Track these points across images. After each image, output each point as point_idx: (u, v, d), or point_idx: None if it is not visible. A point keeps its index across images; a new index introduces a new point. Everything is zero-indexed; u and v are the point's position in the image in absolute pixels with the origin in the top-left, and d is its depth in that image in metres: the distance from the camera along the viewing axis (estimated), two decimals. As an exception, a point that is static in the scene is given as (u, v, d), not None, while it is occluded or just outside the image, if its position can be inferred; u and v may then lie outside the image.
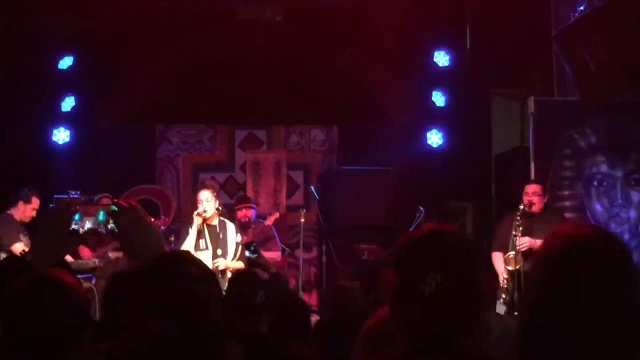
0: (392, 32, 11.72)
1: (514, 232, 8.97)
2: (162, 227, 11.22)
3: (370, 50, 12.76)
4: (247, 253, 9.15)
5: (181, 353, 2.39)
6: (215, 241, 8.64)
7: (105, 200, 7.16)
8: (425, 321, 2.43)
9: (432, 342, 2.44)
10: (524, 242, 8.86)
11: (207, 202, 8.63)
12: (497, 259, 9.13)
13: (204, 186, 8.82)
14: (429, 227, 2.60)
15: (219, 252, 8.59)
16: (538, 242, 8.62)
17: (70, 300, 2.89)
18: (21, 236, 9.49)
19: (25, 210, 9.63)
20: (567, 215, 9.95)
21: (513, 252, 8.92)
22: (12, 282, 2.92)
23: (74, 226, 3.10)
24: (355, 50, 13.15)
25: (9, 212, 9.70)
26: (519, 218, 9.01)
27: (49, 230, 3.12)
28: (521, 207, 9.09)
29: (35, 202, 9.66)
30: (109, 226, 3.09)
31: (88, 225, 3.11)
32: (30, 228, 9.56)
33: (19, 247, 9.20)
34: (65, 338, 2.85)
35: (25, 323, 2.82)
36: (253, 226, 11.19)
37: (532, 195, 9.16)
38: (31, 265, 3.10)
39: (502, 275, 8.98)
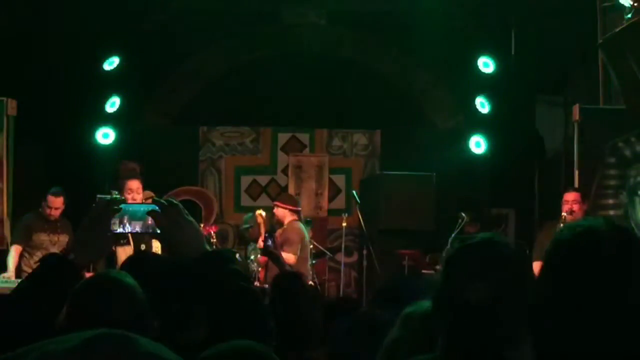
0: (437, 37, 11.70)
1: None
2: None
3: (415, 55, 12.75)
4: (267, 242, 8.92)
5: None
6: (138, 236, 7.15)
7: (148, 201, 7.13)
8: (468, 331, 2.38)
9: (472, 353, 2.39)
10: None
11: (138, 194, 7.53)
12: (537, 268, 9.05)
13: (134, 175, 7.58)
14: (484, 235, 2.51)
15: (142, 247, 7.57)
16: None
17: (132, 303, 2.86)
18: (41, 234, 9.64)
19: (44, 208, 9.77)
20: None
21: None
22: (58, 280, 2.91)
23: (119, 229, 3.11)
24: (399, 55, 13.18)
25: (40, 209, 9.85)
26: (561, 226, 8.96)
27: (89, 231, 3.13)
28: (563, 215, 9.02)
29: (50, 200, 9.71)
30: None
31: (137, 229, 3.12)
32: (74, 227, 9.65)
33: (12, 250, 9.54)
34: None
35: (87, 322, 2.82)
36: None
37: (572, 203, 9.06)
38: (75, 264, 3.09)
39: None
